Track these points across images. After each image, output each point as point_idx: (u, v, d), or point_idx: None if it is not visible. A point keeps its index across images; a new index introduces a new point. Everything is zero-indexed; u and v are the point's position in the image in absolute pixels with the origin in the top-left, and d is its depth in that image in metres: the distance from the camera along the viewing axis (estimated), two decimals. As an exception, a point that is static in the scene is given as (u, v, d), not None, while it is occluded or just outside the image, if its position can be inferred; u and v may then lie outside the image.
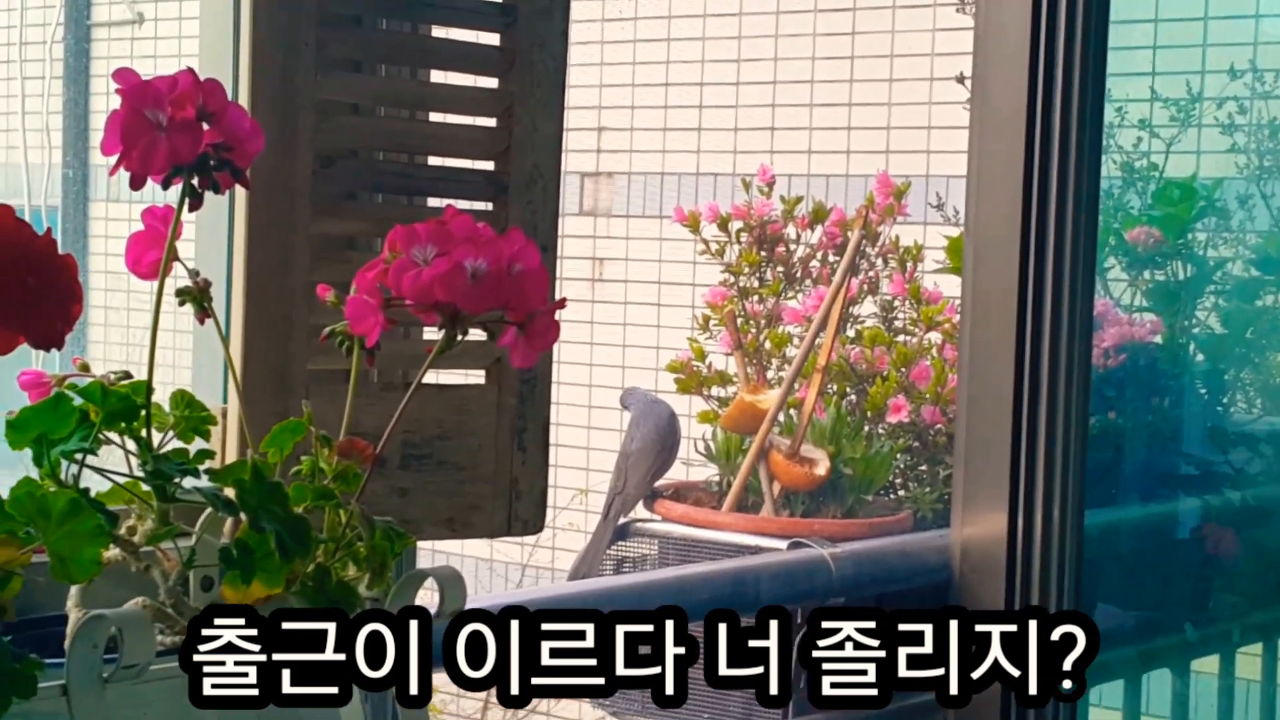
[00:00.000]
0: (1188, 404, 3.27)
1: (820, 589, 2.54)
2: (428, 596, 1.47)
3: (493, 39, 1.77)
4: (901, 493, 2.97)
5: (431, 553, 4.95)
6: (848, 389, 3.04)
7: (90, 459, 1.29)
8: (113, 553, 1.31)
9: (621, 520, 2.91)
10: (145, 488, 1.32)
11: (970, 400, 2.58)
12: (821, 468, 2.82)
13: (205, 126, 1.31)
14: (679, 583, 2.41)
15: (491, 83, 1.77)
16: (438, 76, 1.80)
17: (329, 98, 1.65)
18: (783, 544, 2.63)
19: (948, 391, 2.91)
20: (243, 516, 1.29)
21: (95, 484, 1.30)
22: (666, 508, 2.88)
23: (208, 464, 1.34)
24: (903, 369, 2.99)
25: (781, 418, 2.90)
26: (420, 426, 1.69)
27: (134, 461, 1.32)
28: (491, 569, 5.86)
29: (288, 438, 1.40)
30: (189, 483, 1.32)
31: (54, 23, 5.10)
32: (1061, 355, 2.53)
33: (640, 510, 2.94)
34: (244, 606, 1.28)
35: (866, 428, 2.96)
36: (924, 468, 2.98)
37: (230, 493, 1.30)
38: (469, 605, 1.47)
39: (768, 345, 3.04)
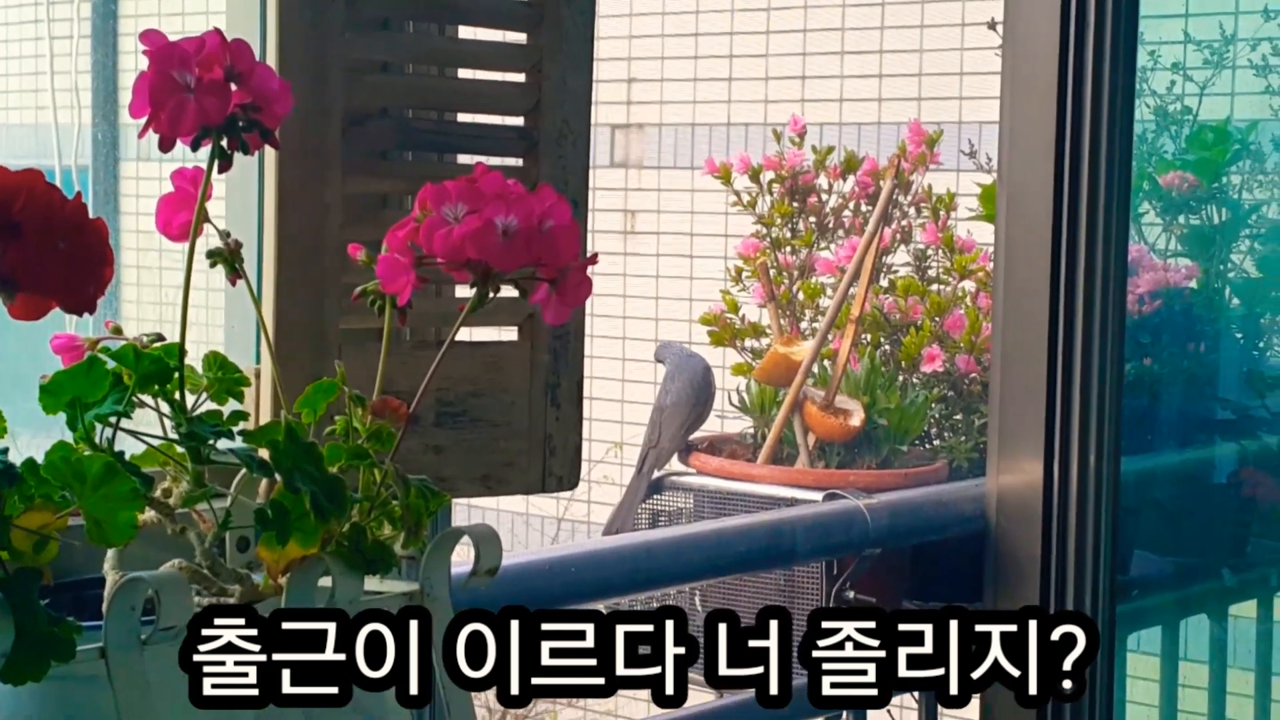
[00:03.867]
0: (1224, 349, 3.26)
1: (856, 540, 2.54)
2: (464, 552, 1.47)
3: (521, -7, 1.77)
4: (936, 442, 2.97)
5: (467, 508, 4.97)
6: (881, 339, 3.03)
7: (124, 422, 1.29)
8: (148, 515, 1.31)
9: (656, 474, 2.91)
10: (180, 450, 1.32)
11: (1005, 348, 2.57)
12: (856, 419, 2.82)
13: (233, 87, 1.30)
14: (716, 536, 2.41)
15: (520, 38, 1.76)
16: (466, 33, 1.79)
17: (358, 56, 1.64)
18: (818, 496, 2.63)
19: (982, 340, 2.90)
20: (277, 477, 1.29)
21: (130, 447, 1.30)
22: (701, 461, 2.88)
23: (242, 425, 1.33)
24: (936, 318, 2.98)
25: (815, 369, 2.90)
26: (454, 384, 1.69)
27: (168, 424, 1.32)
28: (528, 523, 5.87)
29: (321, 398, 1.40)
30: (223, 444, 1.32)
31: (81, -18, 5.09)
32: (1096, 302, 2.52)
33: (675, 464, 2.94)
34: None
35: (901, 378, 2.95)
36: (959, 417, 2.97)
37: (265, 454, 1.30)
38: (505, 561, 1.47)
39: (801, 296, 3.03)
